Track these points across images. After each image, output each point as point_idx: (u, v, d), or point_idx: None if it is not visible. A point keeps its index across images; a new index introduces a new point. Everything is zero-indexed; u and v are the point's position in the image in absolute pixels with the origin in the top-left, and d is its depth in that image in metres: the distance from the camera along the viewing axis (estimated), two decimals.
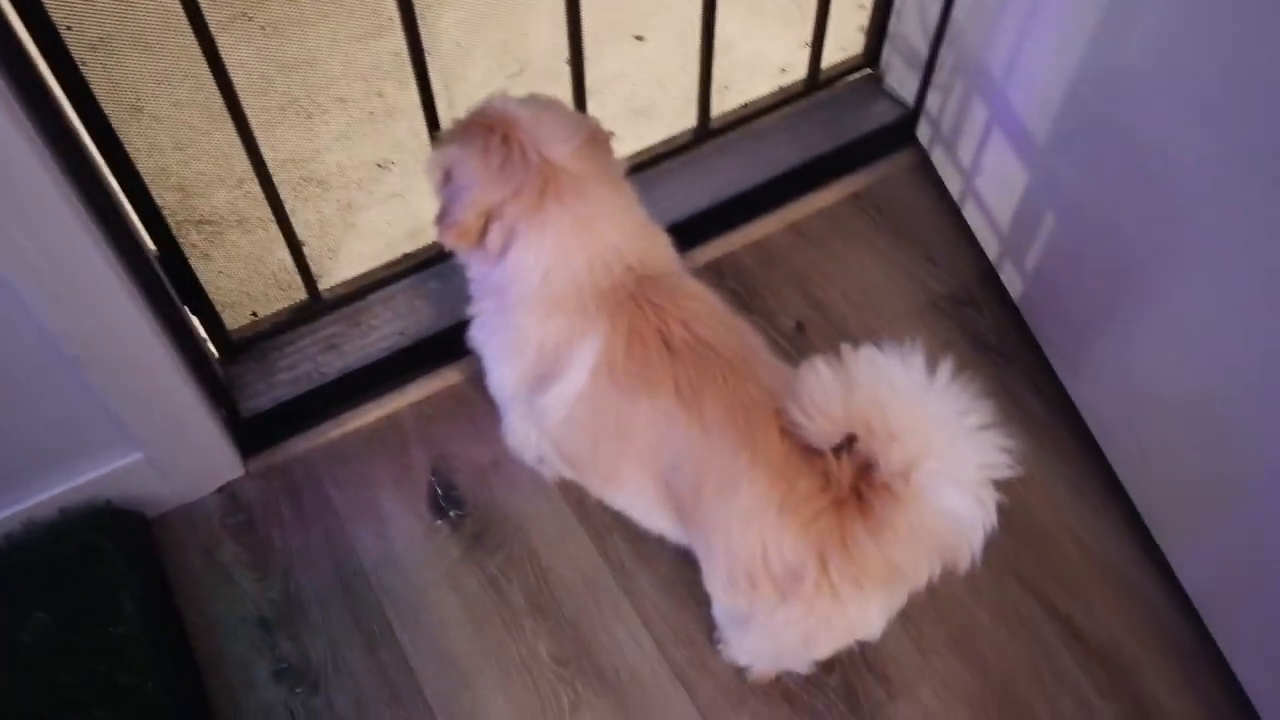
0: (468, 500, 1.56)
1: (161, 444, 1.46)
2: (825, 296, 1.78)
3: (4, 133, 1.04)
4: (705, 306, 1.29)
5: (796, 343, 1.72)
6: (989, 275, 1.77)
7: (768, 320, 1.74)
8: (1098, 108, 1.42)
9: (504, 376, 1.35)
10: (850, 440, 1.04)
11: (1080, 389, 1.59)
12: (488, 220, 1.23)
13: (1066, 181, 1.52)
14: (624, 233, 1.28)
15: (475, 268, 1.32)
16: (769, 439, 1.11)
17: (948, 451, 1.00)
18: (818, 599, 1.10)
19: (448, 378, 1.69)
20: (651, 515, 1.28)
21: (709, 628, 1.44)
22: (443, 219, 1.26)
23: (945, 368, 1.00)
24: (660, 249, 1.32)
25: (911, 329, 1.72)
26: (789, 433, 1.11)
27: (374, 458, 1.61)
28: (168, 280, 1.44)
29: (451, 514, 1.55)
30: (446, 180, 1.27)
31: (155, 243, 1.42)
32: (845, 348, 1.04)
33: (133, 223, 1.35)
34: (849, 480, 1.06)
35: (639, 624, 1.46)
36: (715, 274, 1.79)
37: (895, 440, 0.99)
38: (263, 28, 2.21)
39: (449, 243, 1.27)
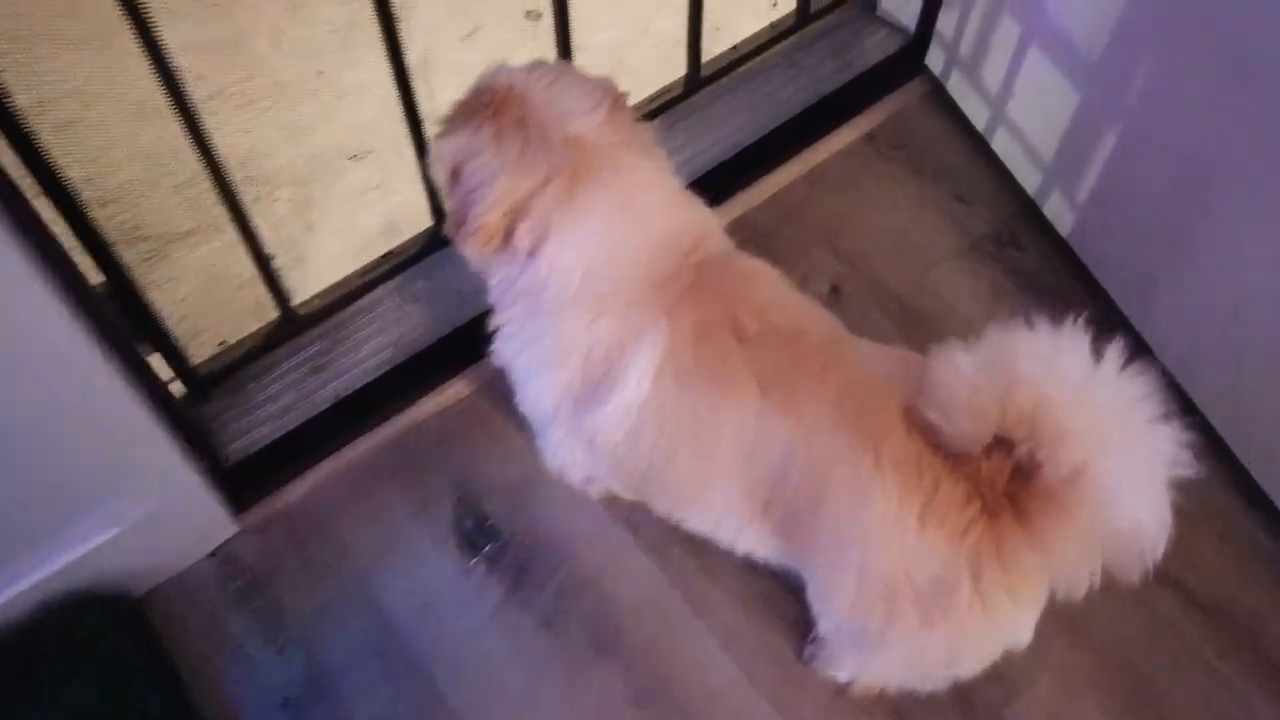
0: (503, 529, 1.37)
1: (139, 511, 1.24)
2: (856, 250, 1.61)
3: None
4: (774, 288, 1.13)
5: (832, 309, 1.54)
6: (1028, 210, 1.62)
7: (799, 287, 1.56)
8: (1173, 5, 1.25)
9: (542, 392, 1.16)
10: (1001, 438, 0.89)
11: (1153, 328, 1.45)
12: (513, 218, 1.04)
13: (1133, 97, 1.36)
14: (671, 212, 1.11)
15: (498, 272, 1.12)
16: (893, 435, 0.95)
17: (1125, 450, 0.85)
18: (969, 616, 0.95)
19: (455, 390, 1.48)
20: (743, 534, 1.11)
21: (796, 641, 1.29)
22: (460, 225, 1.06)
23: (1115, 350, 0.85)
24: (709, 225, 1.16)
25: (955, 278, 1.57)
26: (917, 427, 0.95)
27: (387, 493, 1.40)
28: (118, 314, 1.22)
29: (486, 548, 1.36)
30: (455, 178, 1.06)
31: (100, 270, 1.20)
32: (991, 330, 0.88)
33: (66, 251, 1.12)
34: (1002, 484, 0.90)
35: (718, 647, 1.30)
36: (732, 238, 1.61)
37: (1065, 441, 0.84)
38: (171, 11, 1.94)
39: (470, 251, 1.08)
